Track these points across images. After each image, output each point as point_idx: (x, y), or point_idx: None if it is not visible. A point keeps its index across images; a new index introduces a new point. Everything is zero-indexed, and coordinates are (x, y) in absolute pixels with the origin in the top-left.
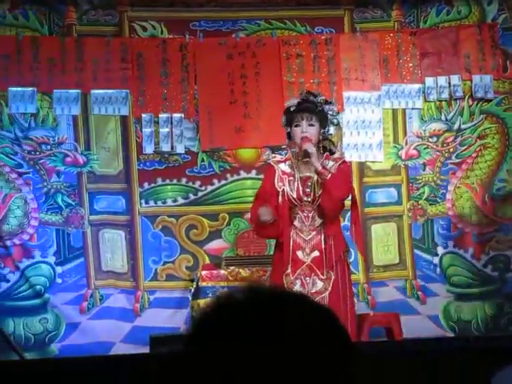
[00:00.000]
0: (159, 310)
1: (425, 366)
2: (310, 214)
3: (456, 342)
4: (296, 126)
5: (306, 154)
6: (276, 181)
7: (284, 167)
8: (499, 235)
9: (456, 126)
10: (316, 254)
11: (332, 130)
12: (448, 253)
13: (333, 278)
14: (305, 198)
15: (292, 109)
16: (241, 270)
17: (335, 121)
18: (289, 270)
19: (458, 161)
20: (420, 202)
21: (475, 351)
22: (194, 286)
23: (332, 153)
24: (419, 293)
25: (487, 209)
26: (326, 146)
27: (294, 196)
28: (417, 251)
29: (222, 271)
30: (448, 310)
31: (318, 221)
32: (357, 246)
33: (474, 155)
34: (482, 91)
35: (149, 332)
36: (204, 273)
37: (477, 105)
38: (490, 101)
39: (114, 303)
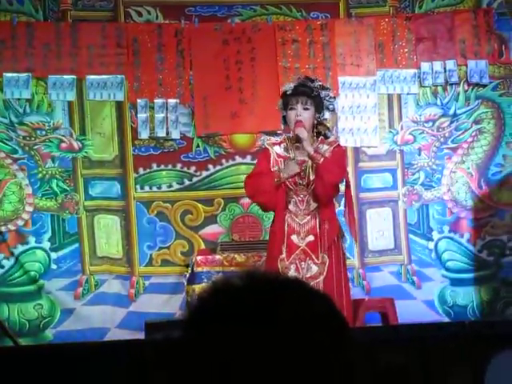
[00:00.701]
0: (154, 295)
1: (420, 351)
2: (305, 198)
3: (451, 327)
4: (291, 109)
5: (298, 139)
6: (271, 163)
7: (279, 150)
8: (495, 220)
9: (451, 111)
10: (311, 238)
11: (327, 115)
12: (443, 238)
13: (327, 262)
14: (300, 182)
15: (288, 92)
16: (236, 256)
17: (331, 106)
18: (283, 255)
19: (453, 146)
20: (415, 186)
21: (471, 336)
22: (189, 271)
23: (326, 137)
24: (414, 278)
25: (483, 194)
26: (321, 131)
27: (290, 179)
28: (412, 236)
29: (218, 256)
30: (443, 295)
31: (313, 205)
32: (349, 231)
33: (469, 140)
34: (477, 76)
35: (144, 317)
36: (199, 258)
37: (472, 90)
38: (486, 86)
39: (109, 289)
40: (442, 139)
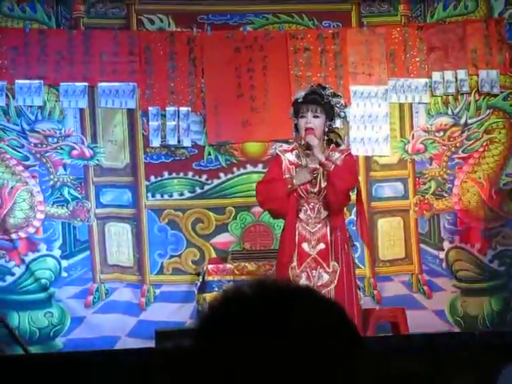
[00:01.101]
0: (165, 304)
1: (431, 361)
2: (316, 206)
3: (462, 337)
4: (301, 117)
5: (308, 146)
6: (283, 170)
7: (291, 157)
8: (506, 230)
9: (463, 121)
10: (322, 246)
11: (339, 123)
12: (454, 247)
13: (338, 271)
14: (311, 189)
15: (299, 100)
16: (247, 264)
17: (342, 114)
18: (294, 263)
19: (464, 155)
20: (426, 196)
21: (481, 346)
22: (200, 279)
23: (338, 145)
24: (425, 287)
25: (494, 203)
26: (332, 139)
27: (301, 186)
28: (423, 246)
29: (229, 265)
30: (454, 305)
31: (324, 213)
32: (362, 239)
33: (480, 150)
34: (488, 86)
35: (154, 326)
36: (210, 267)
37: (483, 99)
38: (497, 95)
39: (120, 297)
40: (453, 149)
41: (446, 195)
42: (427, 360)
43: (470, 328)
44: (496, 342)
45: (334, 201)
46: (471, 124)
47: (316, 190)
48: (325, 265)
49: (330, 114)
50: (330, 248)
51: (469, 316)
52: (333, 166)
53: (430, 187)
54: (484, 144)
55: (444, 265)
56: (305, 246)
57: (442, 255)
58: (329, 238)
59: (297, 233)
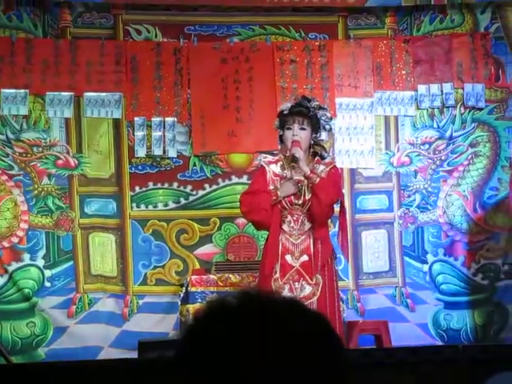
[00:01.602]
0: (148, 314)
1: (413, 374)
2: (300, 218)
3: (445, 351)
4: (288, 128)
5: (294, 159)
6: (268, 182)
7: (275, 169)
8: (490, 244)
9: (448, 134)
10: (305, 258)
11: (324, 135)
12: (438, 261)
13: (321, 283)
14: (295, 201)
15: (285, 112)
16: (231, 276)
17: (328, 126)
18: (277, 275)
19: (449, 168)
20: (411, 209)
21: (464, 360)
22: (184, 290)
23: (323, 158)
24: (408, 300)
25: (478, 217)
26: (317, 151)
27: (285, 198)
28: (407, 259)
29: (212, 276)
30: (437, 318)
31: (307, 225)
32: (342, 251)
33: (465, 163)
34: (473, 100)
35: (137, 337)
36: (194, 278)
37: (469, 113)
38: (482, 109)
39: (103, 307)
40: (438, 162)
41: (430, 208)
42: (409, 373)
43: (452, 341)
44: (479, 355)
45: (318, 213)
46: (456, 137)
47: (300, 201)
48: (308, 277)
49: (316, 126)
50: (313, 260)
51: (452, 329)
52: (318, 179)
53: (415, 200)
54: (469, 157)
55: (428, 278)
56: (288, 257)
57: (425, 268)
58: (312, 250)
59: (280, 244)
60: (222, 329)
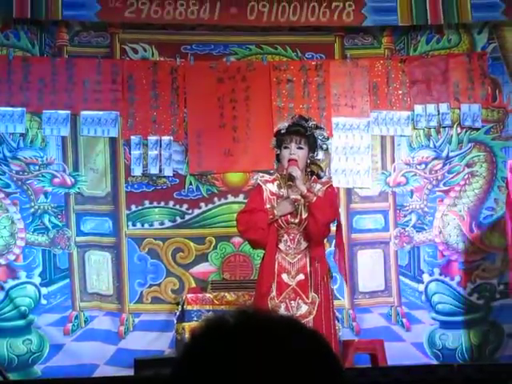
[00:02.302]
0: (144, 332)
1: None
2: (296, 237)
3: (440, 370)
4: (285, 147)
5: (291, 178)
6: (264, 201)
7: (272, 187)
8: (485, 264)
9: (444, 154)
10: (301, 277)
11: (321, 155)
12: (434, 280)
13: (317, 302)
14: (291, 220)
15: (282, 131)
16: (226, 294)
17: (324, 146)
18: (273, 293)
19: (445, 188)
20: (407, 228)
21: (460, 379)
22: (180, 309)
23: (319, 177)
24: (404, 320)
25: (474, 237)
26: (314, 171)
27: (282, 217)
28: (402, 278)
29: (208, 295)
30: (433, 338)
31: (304, 244)
32: (340, 273)
33: (461, 183)
34: (470, 120)
35: (133, 355)
36: (189, 296)
37: (465, 133)
38: (479, 129)
39: (99, 325)
40: (434, 182)
41: (426, 228)
42: None
43: (448, 361)
44: (474, 374)
45: (314, 232)
46: (453, 157)
47: (297, 220)
48: (304, 296)
49: (313, 145)
50: (310, 279)
51: (447, 349)
52: (315, 198)
53: (411, 220)
54: (465, 177)
55: (423, 297)
56: (284, 276)
57: (421, 288)
58: (308, 269)
59: (276, 263)
60: (219, 347)
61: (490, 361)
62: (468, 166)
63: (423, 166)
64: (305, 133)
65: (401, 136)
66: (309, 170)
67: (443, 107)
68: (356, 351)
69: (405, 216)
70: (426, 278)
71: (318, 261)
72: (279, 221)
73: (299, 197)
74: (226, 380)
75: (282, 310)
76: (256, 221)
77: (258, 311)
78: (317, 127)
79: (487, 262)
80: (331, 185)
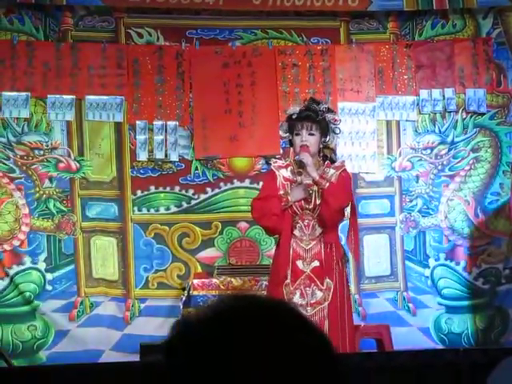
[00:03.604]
0: (150, 318)
1: (415, 378)
2: (311, 223)
3: (446, 354)
4: (296, 134)
5: (301, 165)
6: (278, 186)
7: (286, 173)
8: (491, 248)
9: (449, 139)
10: (316, 263)
11: (333, 138)
12: (439, 265)
13: (332, 288)
14: (306, 206)
15: (294, 116)
16: (233, 279)
17: (337, 130)
18: (288, 280)
19: (451, 173)
20: (412, 213)
21: (465, 363)
22: (186, 294)
23: (333, 161)
24: (410, 305)
25: (479, 222)
26: (327, 155)
27: (296, 203)
28: (408, 263)
29: (214, 280)
30: (438, 323)
31: (318, 230)
32: (353, 256)
33: (466, 168)
34: (475, 105)
35: (139, 340)
36: (196, 281)
37: (470, 118)
38: (484, 114)
39: (104, 311)
40: (439, 166)
41: (432, 213)
42: (411, 377)
43: (454, 345)
44: (480, 359)
45: (327, 218)
46: (458, 142)
47: (311, 206)
48: (318, 282)
49: (325, 130)
50: (324, 265)
51: (453, 333)
52: (327, 184)
53: (417, 204)
54: (470, 162)
55: (429, 282)
56: (299, 263)
57: (427, 273)
58: (323, 255)
59: (291, 250)
60: (216, 334)
61: (496, 345)
62: (473, 150)
63: (429, 150)
64: (316, 118)
65: (406, 121)
66: (322, 154)
67: (448, 92)
68: (362, 336)
69: (410, 201)
70: (431, 262)
71: (332, 246)
72: (293, 207)
73: (312, 182)
74: (222, 367)
75: (297, 297)
76: (270, 208)
77: (257, 297)
78: (329, 110)
79: (492, 246)
80: (345, 169)
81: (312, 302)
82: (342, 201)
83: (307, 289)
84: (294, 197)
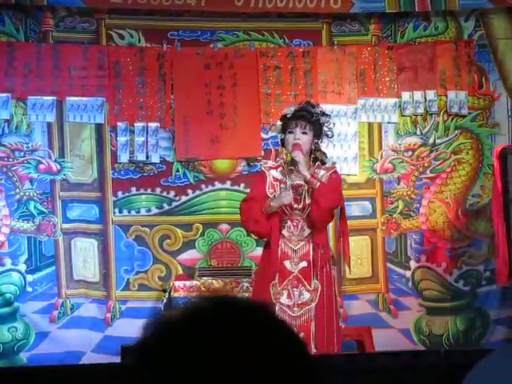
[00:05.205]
0: (131, 319)
1: (396, 379)
2: (300, 223)
3: (427, 356)
4: (289, 132)
5: (294, 162)
6: (267, 187)
7: (275, 174)
8: (471, 250)
9: (431, 141)
10: (304, 264)
11: (325, 142)
12: (420, 267)
13: (319, 289)
14: (295, 206)
15: (288, 116)
16: (214, 281)
17: (330, 133)
18: (276, 280)
19: (432, 175)
20: (394, 215)
21: (446, 365)
22: (167, 296)
23: (323, 163)
24: (391, 306)
25: (460, 224)
26: (318, 157)
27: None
28: (389, 265)
29: (195, 282)
30: (419, 324)
31: (307, 231)
32: (343, 257)
33: (448, 170)
34: (456, 107)
35: (120, 342)
36: (177, 283)
37: (452, 120)
38: (465, 116)
39: (85, 313)
40: (421, 169)
41: (413, 215)
42: (392, 378)
43: (435, 347)
44: (460, 360)
45: (317, 218)
46: (439, 144)
47: (300, 206)
48: (306, 283)
49: (318, 132)
50: (312, 266)
51: (434, 335)
52: (318, 184)
53: (398, 206)
54: (452, 164)
55: (410, 284)
56: (287, 263)
57: (408, 274)
58: (311, 256)
59: (279, 250)
60: (189, 335)
61: (477, 347)
62: (454, 153)
63: (410, 152)
64: (310, 118)
65: (388, 123)
66: (313, 156)
67: (430, 94)
68: (343, 338)
69: (392, 203)
70: (412, 264)
71: (321, 247)
72: (283, 207)
73: (303, 182)
74: (195, 368)
75: (284, 298)
76: (251, 213)
77: (232, 298)
78: (323, 114)
79: (473, 248)
80: (335, 170)
81: (299, 302)
82: (332, 201)
83: (294, 289)
84: (278, 202)
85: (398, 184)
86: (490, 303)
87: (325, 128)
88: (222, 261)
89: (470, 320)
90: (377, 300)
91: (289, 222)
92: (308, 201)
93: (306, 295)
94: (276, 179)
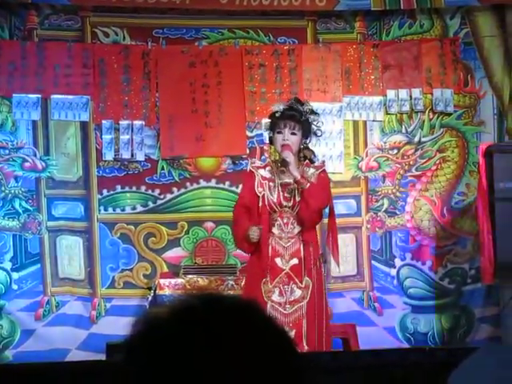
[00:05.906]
0: (116, 317)
1: (381, 377)
2: (290, 221)
3: (412, 354)
4: (278, 132)
5: (284, 163)
6: (256, 186)
7: (264, 173)
8: (457, 248)
9: (416, 139)
10: (295, 261)
11: (314, 140)
12: (405, 265)
13: (310, 286)
14: (285, 204)
15: (277, 115)
16: (199, 279)
17: (318, 132)
18: (267, 278)
19: (417, 173)
20: (379, 213)
21: (431, 363)
22: (152, 294)
23: (312, 162)
24: (376, 304)
25: (445, 222)
26: (307, 155)
27: (275, 201)
28: (374, 263)
29: (180, 280)
30: (404, 322)
31: (297, 228)
32: (332, 255)
33: (433, 168)
34: (442, 105)
35: (105, 340)
36: (162, 281)
37: (437, 118)
38: (451, 114)
39: (71, 310)
40: (406, 167)
41: (398, 213)
42: (377, 376)
43: (420, 345)
44: (445, 358)
45: (306, 218)
46: (425, 142)
47: (290, 204)
48: (297, 280)
49: (307, 131)
50: (303, 263)
51: (419, 333)
52: (308, 184)
53: (383, 204)
54: (437, 162)
55: (395, 282)
56: (278, 260)
57: (393, 272)
58: (302, 253)
59: (270, 247)
60: (178, 333)
61: (461, 345)
62: (440, 151)
63: (395, 151)
64: (299, 118)
65: (373, 121)
66: (301, 155)
67: (415, 92)
68: None
69: (377, 201)
70: (397, 262)
71: (311, 245)
72: (272, 204)
73: (292, 181)
74: (183, 366)
75: (276, 295)
76: (237, 229)
77: (219, 295)
78: (312, 112)
79: (458, 246)
80: (324, 169)
81: (291, 300)
82: (322, 202)
83: (286, 287)
84: (248, 239)
85: (383, 182)
86: (475, 301)
87: (314, 127)
88: (207, 259)
89: (455, 318)
90: (362, 298)
91: (279, 220)
92: (298, 199)
93: (298, 292)
94: (264, 178)
